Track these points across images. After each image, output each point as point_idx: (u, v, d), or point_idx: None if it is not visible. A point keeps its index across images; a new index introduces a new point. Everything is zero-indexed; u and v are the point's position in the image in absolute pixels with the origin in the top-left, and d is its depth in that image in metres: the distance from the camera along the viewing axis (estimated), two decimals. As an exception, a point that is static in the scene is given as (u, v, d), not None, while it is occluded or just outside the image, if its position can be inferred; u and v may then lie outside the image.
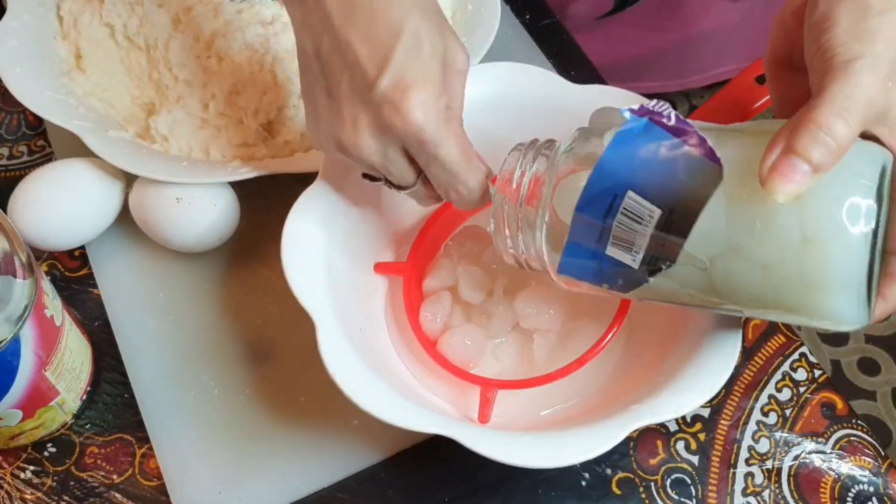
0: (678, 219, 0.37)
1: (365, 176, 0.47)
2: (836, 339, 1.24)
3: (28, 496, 0.50)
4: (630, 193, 0.38)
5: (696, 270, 0.38)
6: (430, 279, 0.53)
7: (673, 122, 0.38)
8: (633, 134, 0.38)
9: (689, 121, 0.38)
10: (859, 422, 0.53)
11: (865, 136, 0.37)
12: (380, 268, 0.54)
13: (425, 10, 0.42)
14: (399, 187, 0.46)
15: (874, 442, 0.52)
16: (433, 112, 0.41)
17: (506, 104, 0.54)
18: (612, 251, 0.40)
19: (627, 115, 0.38)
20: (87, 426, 0.52)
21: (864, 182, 0.36)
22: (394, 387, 0.45)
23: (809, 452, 0.52)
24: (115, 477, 0.51)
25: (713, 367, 0.44)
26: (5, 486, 0.50)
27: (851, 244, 0.35)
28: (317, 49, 0.43)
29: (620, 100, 0.53)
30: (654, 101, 0.38)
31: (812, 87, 0.38)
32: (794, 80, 0.44)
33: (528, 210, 0.43)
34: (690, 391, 0.43)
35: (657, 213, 0.38)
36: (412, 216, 0.56)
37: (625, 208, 0.38)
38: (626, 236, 0.39)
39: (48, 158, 0.63)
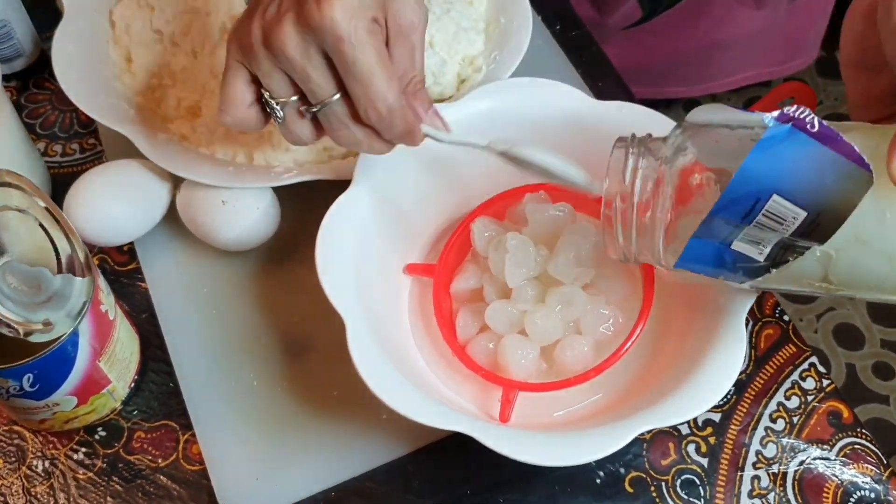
0: (824, 221, 0.39)
1: (253, 94, 0.47)
2: (852, 343, 1.25)
3: (80, 475, 0.53)
4: (775, 197, 0.39)
5: (820, 261, 0.41)
6: (458, 282, 0.56)
7: (817, 127, 0.39)
8: (777, 139, 0.39)
9: (831, 126, 0.39)
10: (864, 430, 0.55)
11: None
12: (411, 269, 0.57)
13: None
14: (316, 105, 0.45)
15: (877, 450, 0.55)
16: (355, 17, 0.42)
17: (528, 118, 0.56)
18: (738, 246, 0.41)
19: (770, 121, 0.39)
20: (135, 412, 0.56)
21: None
22: (417, 384, 0.48)
23: (814, 458, 0.54)
24: (160, 461, 0.54)
25: (718, 375, 0.47)
26: (60, 465, 0.54)
27: None
28: None
29: (640, 115, 0.55)
30: (796, 107, 0.39)
31: None
32: (870, 80, 0.46)
33: (645, 210, 0.44)
34: (696, 397, 0.46)
35: (802, 215, 0.39)
36: (442, 220, 0.59)
37: (767, 210, 0.40)
38: (760, 234, 0.40)
39: (99, 156, 0.66)
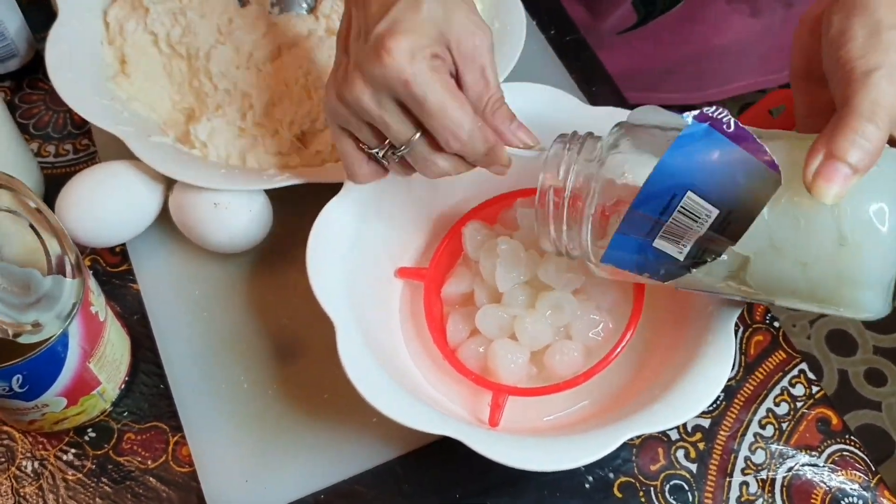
0: (734, 219, 0.40)
1: (363, 150, 0.49)
2: (845, 349, 1.25)
3: (69, 476, 0.53)
4: (690, 194, 0.40)
5: (738, 265, 0.42)
6: (449, 286, 0.56)
7: (732, 128, 0.40)
8: (694, 138, 0.41)
9: (746, 128, 0.41)
10: (853, 437, 0.56)
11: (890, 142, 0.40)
12: (402, 273, 0.57)
13: None
14: (401, 147, 0.47)
15: (866, 457, 0.55)
16: (418, 58, 0.44)
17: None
18: (659, 243, 0.42)
19: (689, 119, 0.41)
20: (125, 414, 0.56)
21: (893, 184, 0.39)
22: (407, 388, 0.49)
23: (803, 465, 0.54)
24: (149, 462, 0.54)
25: (707, 381, 0.47)
26: (49, 466, 0.54)
27: (883, 245, 0.39)
28: (348, 8, 0.47)
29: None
30: (714, 108, 0.41)
31: (835, 96, 0.41)
32: (815, 92, 0.47)
33: (575, 204, 0.45)
34: (685, 403, 0.46)
35: (715, 213, 0.40)
36: (433, 224, 0.59)
37: (683, 207, 0.41)
38: (678, 231, 0.42)
39: (92, 157, 0.66)
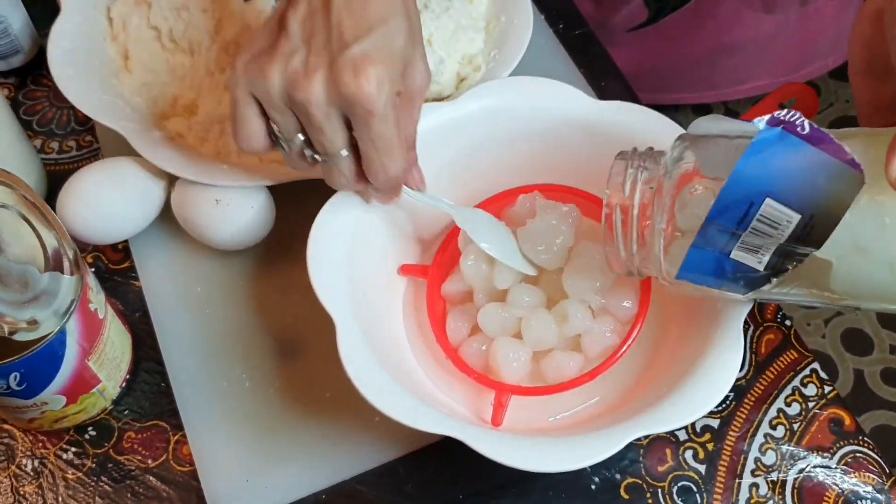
0: (817, 224, 0.39)
1: (273, 133, 0.48)
2: (861, 348, 1.24)
3: (69, 475, 0.53)
4: (768, 201, 0.39)
5: (820, 269, 0.40)
6: (449, 283, 0.55)
7: (808, 130, 0.39)
8: (768, 143, 0.39)
9: (823, 129, 0.39)
10: (866, 438, 0.54)
11: None
12: (405, 270, 0.56)
13: (411, 24, 0.47)
14: (322, 155, 0.48)
15: (880, 459, 0.54)
16: (385, 90, 0.44)
17: (526, 117, 0.56)
18: (737, 255, 0.41)
19: (761, 125, 0.40)
20: (126, 412, 0.55)
21: None
22: (409, 387, 0.48)
23: (814, 467, 0.53)
24: (150, 461, 0.54)
25: (715, 380, 0.46)
26: (49, 465, 0.53)
27: None
28: (311, 4, 0.46)
29: (640, 116, 0.55)
30: (786, 111, 0.40)
31: None
32: (878, 87, 0.46)
33: (644, 221, 0.44)
34: (692, 403, 0.45)
35: (796, 218, 0.39)
36: (436, 222, 0.58)
37: (761, 215, 0.39)
38: (757, 241, 0.40)
39: (95, 153, 0.66)
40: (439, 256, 0.55)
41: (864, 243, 0.39)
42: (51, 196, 0.61)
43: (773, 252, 0.40)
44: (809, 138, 0.39)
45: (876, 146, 0.38)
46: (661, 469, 0.53)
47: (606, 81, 0.70)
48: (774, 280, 0.41)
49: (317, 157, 0.48)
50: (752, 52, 0.93)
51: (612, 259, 0.47)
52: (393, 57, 0.45)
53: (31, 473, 0.53)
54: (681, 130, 0.52)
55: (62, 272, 0.46)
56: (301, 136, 0.48)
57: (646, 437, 0.52)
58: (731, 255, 0.41)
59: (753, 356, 0.57)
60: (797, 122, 0.39)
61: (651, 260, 0.45)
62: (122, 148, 0.58)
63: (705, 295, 0.46)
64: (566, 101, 0.56)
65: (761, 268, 0.41)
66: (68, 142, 0.67)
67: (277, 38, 0.46)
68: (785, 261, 0.40)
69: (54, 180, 0.63)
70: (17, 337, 0.44)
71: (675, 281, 0.44)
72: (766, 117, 0.40)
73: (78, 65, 0.61)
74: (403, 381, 0.49)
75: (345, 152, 0.47)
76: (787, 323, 0.58)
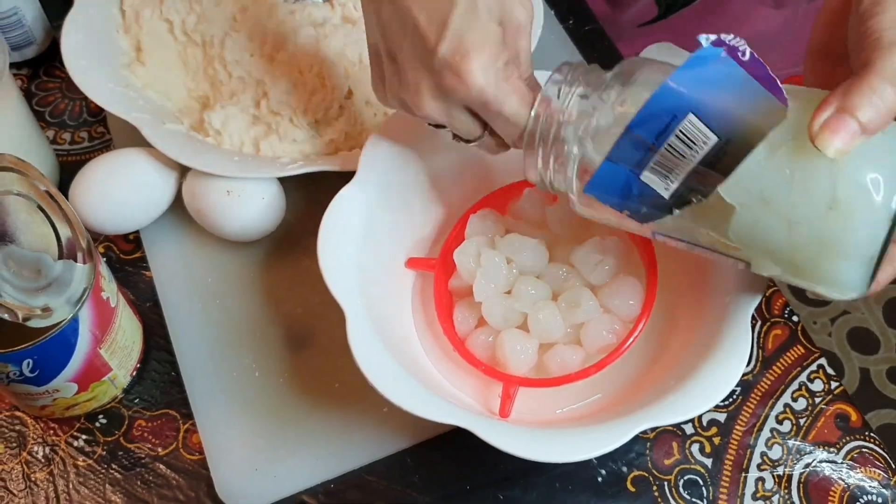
0: (730, 151, 0.38)
1: (431, 125, 0.49)
2: (867, 347, 1.24)
3: (80, 463, 0.54)
4: (690, 116, 0.39)
5: (722, 212, 0.40)
6: (455, 278, 0.55)
7: (748, 58, 0.38)
8: (706, 60, 0.39)
9: (761, 60, 0.39)
10: (872, 434, 0.55)
11: None
12: (412, 263, 0.57)
13: None
14: (466, 140, 0.48)
15: (886, 454, 0.54)
16: (492, 73, 0.43)
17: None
18: (647, 177, 0.41)
19: (705, 42, 0.39)
20: (136, 401, 0.56)
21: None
22: (418, 378, 0.48)
23: (820, 461, 0.53)
24: (160, 449, 0.54)
25: (723, 374, 0.46)
26: (60, 452, 0.54)
27: (875, 215, 0.38)
28: (378, 15, 0.46)
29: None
30: (732, 36, 0.39)
31: (854, 65, 0.40)
32: (829, 70, 0.46)
33: (568, 129, 0.44)
34: (699, 396, 0.45)
35: (713, 140, 0.39)
36: (445, 215, 0.59)
37: (681, 131, 0.39)
38: (669, 163, 0.40)
39: (107, 144, 0.66)
40: (446, 249, 0.55)
41: (770, 195, 0.39)
42: (63, 186, 0.62)
43: (681, 180, 0.40)
44: (747, 65, 0.38)
45: (810, 106, 0.38)
46: (667, 462, 0.53)
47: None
48: (676, 212, 0.41)
49: (471, 143, 0.49)
50: (760, 47, 0.92)
51: (528, 167, 0.47)
52: (484, 32, 0.43)
53: (43, 460, 0.54)
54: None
55: (75, 260, 0.46)
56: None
57: (652, 430, 0.52)
58: (642, 176, 0.41)
59: (761, 351, 0.57)
60: (740, 48, 0.38)
61: (565, 173, 0.45)
62: (134, 139, 0.58)
63: (605, 222, 0.46)
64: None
65: (667, 195, 0.41)
66: (80, 133, 0.67)
67: (376, 60, 0.48)
68: (690, 193, 0.40)
69: (66, 171, 0.64)
70: (30, 324, 0.44)
71: (584, 196, 0.44)
72: (713, 37, 0.39)
73: (90, 56, 0.61)
74: (412, 371, 0.49)
75: (483, 135, 0.47)
76: (795, 318, 0.58)
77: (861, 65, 0.39)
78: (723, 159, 0.39)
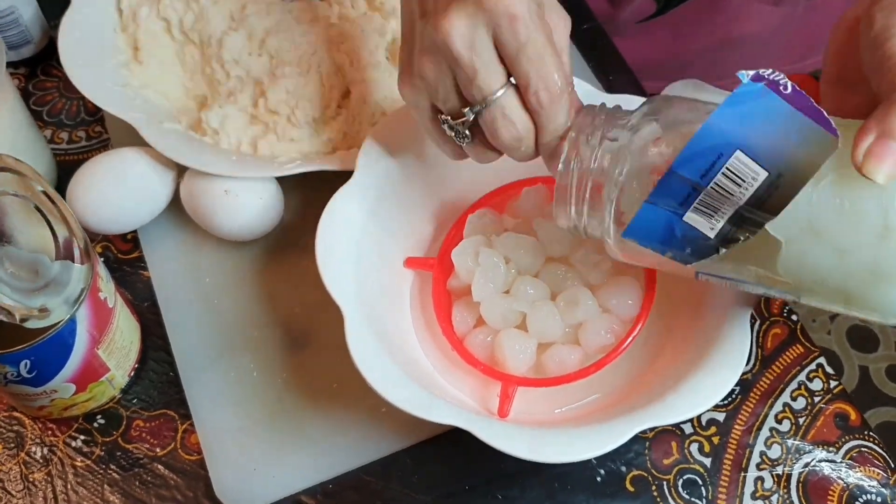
0: (781, 185, 0.38)
1: (445, 123, 0.46)
2: (866, 345, 1.24)
3: (78, 463, 0.53)
4: (738, 153, 0.38)
5: (769, 247, 0.39)
6: (454, 278, 0.55)
7: (790, 90, 0.38)
8: (748, 96, 0.38)
9: (804, 92, 0.38)
10: (871, 433, 0.54)
11: None
12: (410, 263, 0.57)
13: None
14: (479, 103, 0.44)
15: (885, 454, 0.54)
16: (469, 28, 0.42)
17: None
18: (691, 217, 0.40)
19: (745, 78, 0.38)
20: (134, 401, 0.55)
21: None
22: (416, 378, 0.48)
23: (820, 461, 0.53)
24: (158, 450, 0.54)
25: (722, 373, 0.46)
26: (58, 452, 0.54)
27: None
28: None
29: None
30: (771, 70, 0.39)
31: (880, 90, 0.39)
32: (845, 97, 0.45)
33: (601, 174, 0.43)
34: (699, 395, 0.46)
35: (762, 175, 0.38)
36: (443, 214, 0.59)
37: (728, 168, 0.38)
38: (715, 202, 0.39)
39: (105, 144, 0.66)
40: (444, 249, 0.55)
41: (820, 226, 0.38)
42: (61, 186, 0.62)
43: (727, 219, 0.39)
44: (790, 98, 0.38)
45: (846, 133, 0.38)
46: (666, 462, 0.53)
47: (614, 75, 0.70)
48: (722, 251, 0.40)
49: (476, 109, 0.44)
50: (759, 44, 0.92)
51: (560, 214, 0.45)
52: None
53: (41, 461, 0.53)
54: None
55: (73, 261, 0.46)
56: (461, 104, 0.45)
57: (651, 429, 0.52)
58: (685, 217, 0.40)
59: (760, 350, 0.57)
60: (780, 81, 0.38)
61: (601, 218, 0.44)
62: (132, 138, 0.58)
63: (644, 265, 0.45)
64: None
65: (712, 235, 0.40)
66: (78, 132, 0.67)
67: (405, 39, 0.47)
68: (738, 231, 0.39)
69: (64, 170, 0.64)
70: (28, 324, 0.44)
71: (622, 240, 0.43)
72: (751, 72, 0.38)
73: (88, 55, 0.61)
74: (411, 371, 0.49)
75: (502, 91, 0.43)
76: (794, 318, 0.58)
77: (890, 88, 0.38)
78: (773, 195, 0.38)
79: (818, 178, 0.38)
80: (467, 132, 0.46)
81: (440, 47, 0.43)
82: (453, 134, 0.47)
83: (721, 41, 0.92)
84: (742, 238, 0.39)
